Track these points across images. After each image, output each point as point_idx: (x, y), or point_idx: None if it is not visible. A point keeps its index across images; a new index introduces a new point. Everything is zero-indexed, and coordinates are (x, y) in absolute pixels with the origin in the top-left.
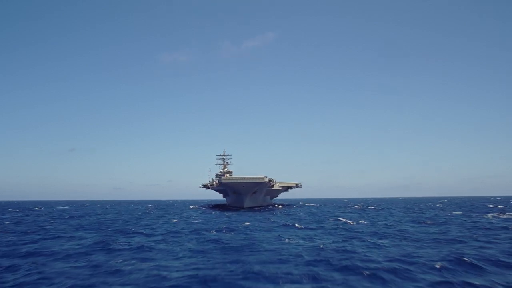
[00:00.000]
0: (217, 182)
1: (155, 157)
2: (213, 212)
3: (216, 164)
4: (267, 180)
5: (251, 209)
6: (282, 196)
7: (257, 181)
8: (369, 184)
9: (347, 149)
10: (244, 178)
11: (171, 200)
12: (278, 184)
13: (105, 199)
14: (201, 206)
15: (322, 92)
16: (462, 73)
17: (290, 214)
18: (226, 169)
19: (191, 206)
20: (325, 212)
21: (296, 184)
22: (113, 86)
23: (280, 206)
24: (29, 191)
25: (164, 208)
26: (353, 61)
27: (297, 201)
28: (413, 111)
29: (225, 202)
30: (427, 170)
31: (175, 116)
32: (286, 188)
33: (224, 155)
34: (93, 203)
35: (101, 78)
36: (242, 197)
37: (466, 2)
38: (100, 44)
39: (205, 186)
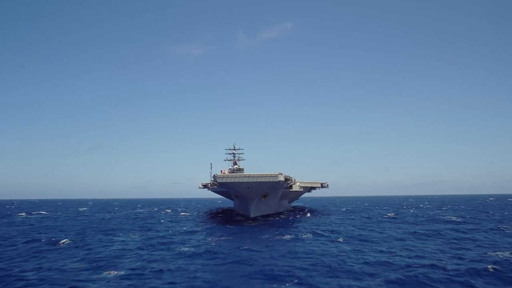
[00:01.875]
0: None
1: (175, 155)
2: (199, 231)
3: (224, 160)
4: (283, 179)
5: (261, 220)
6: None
7: (268, 180)
8: (392, 181)
9: (369, 147)
10: (249, 176)
11: (188, 198)
12: (298, 184)
13: (125, 197)
14: (202, 212)
15: (344, 92)
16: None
17: (330, 244)
18: (236, 166)
19: (182, 214)
20: (389, 238)
21: (322, 184)
22: (128, 84)
23: (308, 215)
24: (51, 191)
25: (156, 216)
26: (372, 62)
27: (319, 201)
28: (425, 113)
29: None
30: (450, 169)
31: (191, 113)
32: (309, 189)
33: (234, 149)
34: (101, 202)
35: (112, 77)
36: (247, 203)
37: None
38: (110, 42)
39: (205, 186)
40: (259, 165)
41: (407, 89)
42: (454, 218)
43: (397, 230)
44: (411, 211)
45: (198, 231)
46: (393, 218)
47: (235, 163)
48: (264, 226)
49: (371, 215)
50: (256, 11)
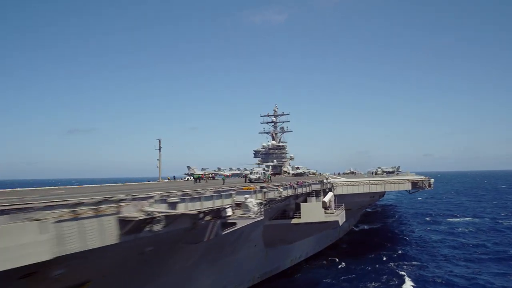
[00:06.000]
0: None
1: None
2: None
3: (260, 132)
4: (253, 207)
5: None
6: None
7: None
8: None
9: (492, 113)
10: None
11: None
12: (335, 190)
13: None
14: None
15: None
16: None
17: None
18: (273, 142)
19: None
20: None
21: (415, 183)
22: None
23: None
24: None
25: None
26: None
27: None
28: None
29: None
30: None
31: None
32: (382, 194)
33: (274, 115)
34: None
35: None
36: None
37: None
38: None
39: None
40: (315, 143)
41: None
42: None
43: None
44: None
45: None
46: None
47: (273, 137)
48: None
49: None
50: None
